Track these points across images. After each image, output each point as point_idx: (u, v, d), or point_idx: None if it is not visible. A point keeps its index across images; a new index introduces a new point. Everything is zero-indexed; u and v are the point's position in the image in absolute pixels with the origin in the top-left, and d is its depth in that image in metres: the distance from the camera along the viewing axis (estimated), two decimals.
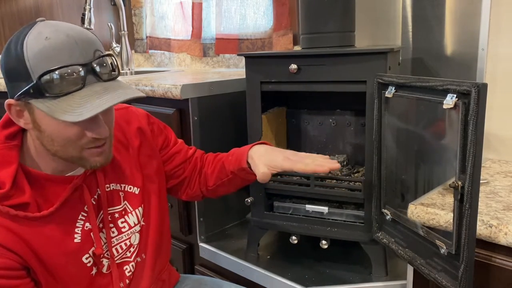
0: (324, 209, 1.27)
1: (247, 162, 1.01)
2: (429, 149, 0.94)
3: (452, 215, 0.82)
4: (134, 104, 1.59)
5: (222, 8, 2.05)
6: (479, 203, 0.81)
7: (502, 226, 0.82)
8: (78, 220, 0.89)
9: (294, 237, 1.31)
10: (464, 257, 0.79)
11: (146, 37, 2.54)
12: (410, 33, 1.37)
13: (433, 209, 0.89)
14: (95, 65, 0.78)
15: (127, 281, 0.97)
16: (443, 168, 0.90)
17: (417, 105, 0.94)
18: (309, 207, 1.28)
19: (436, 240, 0.87)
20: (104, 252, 0.92)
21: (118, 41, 2.43)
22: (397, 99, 0.99)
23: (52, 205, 0.84)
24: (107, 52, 0.82)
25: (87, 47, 0.78)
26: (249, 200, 1.33)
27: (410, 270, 1.01)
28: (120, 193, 0.96)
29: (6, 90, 0.82)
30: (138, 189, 0.99)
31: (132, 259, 0.97)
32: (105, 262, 0.93)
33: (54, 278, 0.86)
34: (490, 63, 1.20)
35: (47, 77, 0.75)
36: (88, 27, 2.14)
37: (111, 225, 0.94)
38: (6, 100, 0.80)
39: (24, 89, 0.76)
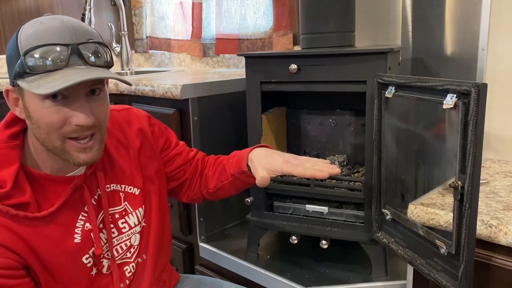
0: (324, 209, 1.27)
1: (247, 165, 1.01)
2: (429, 149, 0.94)
3: (452, 215, 0.82)
4: (135, 105, 1.59)
5: (222, 8, 2.05)
6: (479, 203, 0.81)
7: (502, 226, 0.82)
8: (78, 220, 0.89)
9: (294, 237, 1.31)
10: (464, 257, 0.79)
11: (146, 37, 2.54)
12: (410, 33, 1.37)
13: (433, 209, 0.89)
14: (81, 48, 0.78)
15: (127, 281, 0.97)
16: (443, 168, 0.90)
17: (417, 105, 0.94)
18: (309, 207, 1.28)
19: (436, 240, 0.87)
20: (104, 252, 0.92)
21: (118, 41, 2.43)
22: (397, 99, 0.99)
23: (53, 205, 0.84)
24: (99, 41, 0.81)
25: (80, 32, 0.79)
26: (249, 200, 1.33)
27: (410, 270, 1.01)
28: (121, 193, 0.96)
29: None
30: (138, 190, 0.98)
31: (132, 260, 0.97)
32: (105, 262, 0.93)
33: (54, 278, 0.86)
34: (490, 63, 1.20)
35: (30, 54, 0.75)
36: None
37: (112, 225, 0.94)
38: (5, 87, 0.82)
39: (15, 70, 0.78)
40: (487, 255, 0.85)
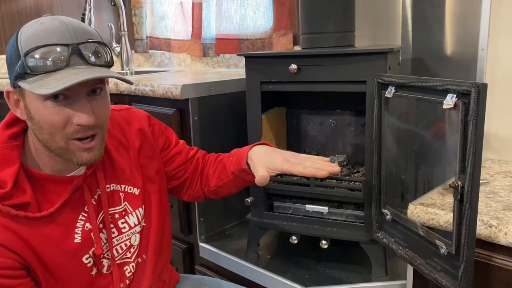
0: (324, 209, 1.27)
1: (247, 164, 1.01)
2: (429, 149, 0.94)
3: (452, 215, 0.82)
4: (135, 105, 1.59)
5: (222, 8, 2.05)
6: (479, 203, 0.81)
7: (502, 226, 0.82)
8: (79, 220, 0.89)
9: (294, 237, 1.31)
10: (464, 257, 0.79)
11: (146, 37, 2.54)
12: (410, 33, 1.37)
13: (433, 209, 0.89)
14: (82, 48, 0.78)
15: (127, 281, 0.97)
16: (443, 168, 0.90)
17: (417, 105, 0.94)
18: (309, 207, 1.28)
19: (436, 240, 0.87)
20: (104, 252, 0.92)
21: (118, 41, 2.43)
22: (397, 99, 0.99)
23: (53, 205, 0.85)
24: (99, 41, 0.81)
25: (80, 33, 0.79)
26: (249, 200, 1.33)
27: (410, 270, 1.01)
28: (120, 193, 0.96)
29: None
30: (138, 190, 0.99)
31: (132, 260, 0.97)
32: (105, 262, 0.93)
33: (54, 278, 0.86)
34: (490, 63, 1.20)
35: (31, 55, 0.75)
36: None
37: (112, 225, 0.94)
38: (5, 88, 0.82)
39: (15, 71, 0.77)
40: (487, 255, 0.85)
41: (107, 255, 0.93)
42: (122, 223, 0.96)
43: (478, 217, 0.82)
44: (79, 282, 0.89)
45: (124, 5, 2.41)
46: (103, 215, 0.92)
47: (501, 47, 1.20)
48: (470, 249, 0.79)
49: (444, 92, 0.81)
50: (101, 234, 0.92)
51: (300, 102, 1.46)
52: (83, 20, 2.15)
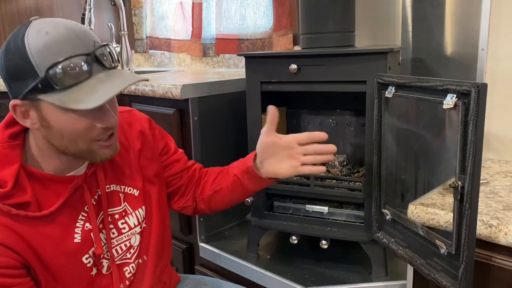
0: (324, 209, 1.27)
1: (254, 163, 1.03)
2: (429, 149, 0.94)
3: (452, 215, 0.82)
4: (135, 105, 1.60)
5: (222, 8, 2.05)
6: (479, 203, 0.81)
7: (502, 226, 0.82)
8: (78, 220, 0.89)
9: (294, 237, 1.31)
10: (464, 257, 0.79)
11: (146, 37, 2.54)
12: (410, 33, 1.37)
13: (433, 209, 0.89)
14: (98, 54, 0.79)
15: (127, 282, 0.97)
16: (443, 168, 0.90)
17: (417, 105, 0.94)
18: (309, 207, 1.28)
19: (436, 240, 0.87)
20: (104, 252, 0.92)
21: (118, 41, 2.43)
22: (397, 99, 0.99)
23: (53, 205, 0.84)
24: (105, 43, 0.83)
25: (87, 39, 0.79)
26: (249, 200, 1.33)
27: (410, 270, 1.01)
28: (120, 194, 0.96)
29: (6, 90, 0.82)
30: (138, 191, 0.99)
31: (132, 261, 0.97)
32: (105, 263, 0.93)
33: (54, 278, 0.86)
34: (490, 63, 1.20)
35: (55, 69, 0.75)
36: (88, 27, 2.14)
37: (111, 226, 0.94)
38: (11, 101, 0.79)
39: (32, 85, 0.76)
40: (487, 255, 0.85)
41: (107, 255, 0.93)
42: (122, 223, 0.96)
43: (478, 217, 0.82)
44: (79, 282, 0.89)
45: (124, 5, 2.41)
46: (102, 215, 0.92)
47: (501, 47, 1.20)
48: (470, 249, 0.79)
49: (444, 92, 0.81)
50: (100, 234, 0.92)
51: (300, 102, 1.46)
52: (83, 20, 2.15)
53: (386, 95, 1.00)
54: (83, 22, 2.15)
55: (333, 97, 1.36)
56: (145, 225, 1.00)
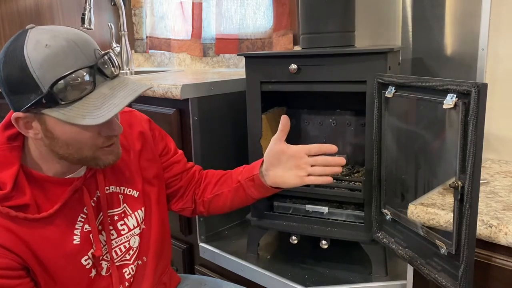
0: (324, 209, 1.27)
1: (260, 171, 1.03)
2: (429, 149, 0.94)
3: (452, 215, 0.82)
4: (134, 105, 1.59)
5: (222, 8, 2.05)
6: (479, 203, 0.81)
7: (502, 226, 0.82)
8: (78, 222, 0.89)
9: (294, 237, 1.31)
10: (464, 257, 0.79)
11: (146, 37, 2.54)
12: (410, 33, 1.37)
13: (433, 209, 0.89)
14: (100, 65, 0.79)
15: (127, 283, 0.96)
16: (443, 168, 0.90)
17: (417, 105, 0.94)
18: (309, 207, 1.28)
19: (436, 240, 0.87)
20: (103, 254, 0.92)
21: (118, 41, 2.43)
22: (397, 99, 0.99)
23: (52, 207, 0.84)
24: (106, 51, 0.82)
25: (88, 48, 0.79)
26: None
27: (410, 270, 1.01)
28: (120, 195, 0.96)
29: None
30: (138, 192, 0.98)
31: (131, 262, 0.97)
32: (104, 264, 0.93)
33: (53, 279, 0.86)
34: (490, 63, 1.20)
35: (59, 85, 0.74)
36: (88, 27, 2.14)
37: (111, 227, 0.94)
38: (13, 114, 0.79)
39: (35, 100, 0.75)
40: (487, 255, 0.85)
41: (106, 257, 0.93)
42: (121, 225, 0.96)
43: (478, 217, 0.81)
44: (78, 283, 0.89)
45: (124, 5, 2.41)
46: (102, 216, 0.92)
47: (501, 47, 1.20)
48: (470, 249, 0.79)
49: (444, 92, 0.81)
50: (100, 236, 0.92)
51: (300, 102, 1.46)
52: (83, 20, 2.15)
53: (386, 95, 1.00)
54: (83, 22, 2.15)
55: (333, 97, 1.36)
56: (144, 226, 1.00)
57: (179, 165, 1.10)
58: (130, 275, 0.97)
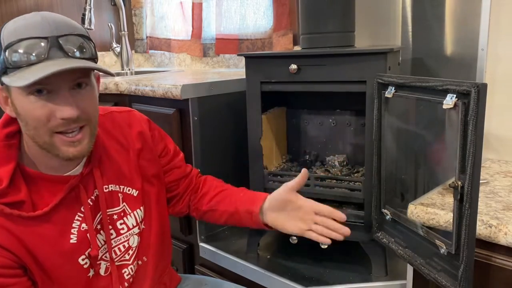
0: None
1: (260, 208, 1.02)
2: (429, 149, 0.94)
3: (452, 215, 0.82)
4: (134, 105, 1.59)
5: (222, 8, 2.05)
6: (479, 203, 0.81)
7: (502, 226, 0.82)
8: (75, 221, 0.88)
9: (294, 237, 1.30)
10: (464, 257, 0.79)
11: (146, 37, 2.54)
12: (410, 33, 1.37)
13: (433, 209, 0.89)
14: (62, 41, 0.77)
15: (126, 284, 0.96)
16: (443, 168, 0.91)
17: (417, 105, 0.94)
18: None
19: (436, 240, 0.87)
20: (102, 254, 0.91)
21: (118, 41, 2.43)
22: (397, 99, 0.99)
23: (48, 205, 0.84)
24: (79, 33, 0.80)
25: (62, 27, 0.78)
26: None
27: (410, 270, 1.01)
28: (119, 194, 0.96)
29: None
30: (137, 191, 0.98)
31: (130, 262, 0.97)
32: (103, 264, 0.92)
33: (50, 278, 0.85)
34: (490, 63, 1.20)
35: (11, 49, 0.75)
36: (88, 27, 2.15)
37: (110, 226, 0.93)
38: None
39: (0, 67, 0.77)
40: (487, 255, 0.85)
41: (105, 256, 0.93)
42: (121, 224, 0.95)
43: (478, 217, 0.81)
44: (76, 283, 0.89)
45: (124, 5, 2.41)
46: (101, 216, 0.92)
47: (501, 47, 1.20)
48: (470, 249, 0.79)
49: (444, 92, 0.81)
50: (99, 235, 0.91)
51: (300, 102, 1.46)
52: (83, 20, 2.15)
53: (386, 95, 1.00)
54: (83, 22, 2.15)
55: (333, 97, 1.36)
56: (143, 226, 0.99)
57: (179, 170, 1.10)
58: (129, 275, 0.97)
